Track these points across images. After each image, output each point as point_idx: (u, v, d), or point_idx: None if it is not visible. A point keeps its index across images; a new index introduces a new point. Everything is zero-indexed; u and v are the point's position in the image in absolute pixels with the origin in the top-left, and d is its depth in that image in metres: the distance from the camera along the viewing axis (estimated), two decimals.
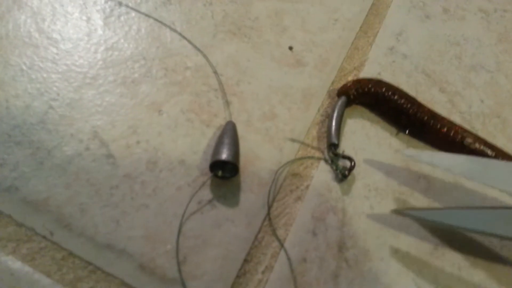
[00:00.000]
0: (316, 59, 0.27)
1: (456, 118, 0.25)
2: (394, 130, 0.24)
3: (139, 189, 0.20)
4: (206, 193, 0.20)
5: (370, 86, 0.24)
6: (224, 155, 0.20)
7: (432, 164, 0.20)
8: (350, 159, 0.21)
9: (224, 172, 0.20)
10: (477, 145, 0.22)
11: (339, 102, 0.24)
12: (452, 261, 0.20)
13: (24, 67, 0.21)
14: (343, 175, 0.21)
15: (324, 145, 0.23)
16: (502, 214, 0.19)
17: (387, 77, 0.26)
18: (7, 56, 0.21)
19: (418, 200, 0.21)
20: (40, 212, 0.18)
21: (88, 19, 0.24)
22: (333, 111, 0.23)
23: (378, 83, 0.25)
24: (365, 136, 0.24)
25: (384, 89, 0.24)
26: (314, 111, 0.24)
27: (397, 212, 0.20)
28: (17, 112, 0.20)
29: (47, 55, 0.22)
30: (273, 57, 0.26)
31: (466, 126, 0.24)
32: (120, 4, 0.25)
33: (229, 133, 0.21)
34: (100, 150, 0.20)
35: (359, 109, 0.25)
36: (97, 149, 0.20)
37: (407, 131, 0.24)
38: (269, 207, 0.20)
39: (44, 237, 0.18)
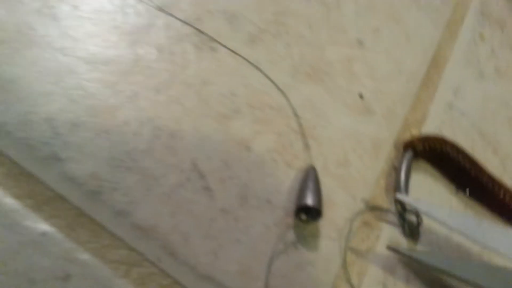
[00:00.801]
0: (383, 108, 0.28)
1: (507, 182, 0.27)
2: (454, 188, 0.26)
3: (233, 224, 0.21)
4: (290, 235, 0.22)
5: (436, 143, 0.26)
6: (310, 201, 0.22)
7: (428, 215, 0.22)
8: (417, 215, 0.23)
9: (308, 216, 0.22)
10: None
11: (407, 157, 0.26)
12: None
13: (131, 94, 0.23)
14: (410, 230, 0.23)
15: (392, 196, 0.25)
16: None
17: (446, 133, 0.28)
18: (117, 81, 0.22)
19: None
20: (149, 238, 0.20)
21: (184, 52, 0.25)
22: (401, 165, 0.25)
23: (444, 141, 0.26)
24: (428, 192, 0.26)
25: (449, 148, 0.26)
26: (382, 160, 0.26)
27: (392, 249, 0.22)
28: (128, 138, 0.21)
29: (149, 84, 0.23)
30: (345, 103, 0.28)
31: None
32: (212, 40, 0.26)
33: (312, 178, 0.23)
34: (199, 182, 0.22)
35: (422, 164, 0.27)
36: (196, 181, 0.22)
37: (467, 191, 0.26)
38: (344, 254, 0.22)
39: (153, 263, 0.19)
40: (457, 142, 0.27)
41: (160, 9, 0.26)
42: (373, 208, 0.24)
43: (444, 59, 0.33)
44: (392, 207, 0.24)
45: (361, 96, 0.28)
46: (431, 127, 0.28)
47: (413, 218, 0.23)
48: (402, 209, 0.23)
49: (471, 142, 0.29)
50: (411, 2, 0.34)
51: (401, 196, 0.23)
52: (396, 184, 0.25)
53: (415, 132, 0.28)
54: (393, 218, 0.24)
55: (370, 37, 0.30)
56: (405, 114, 0.29)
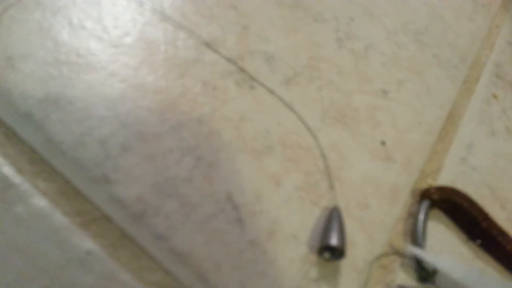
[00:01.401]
0: (402, 157, 0.29)
1: None
2: (465, 237, 0.27)
3: (261, 257, 0.22)
4: (313, 272, 0.22)
5: (451, 195, 0.27)
6: (335, 241, 0.22)
7: (435, 266, 0.23)
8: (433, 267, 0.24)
9: (331, 255, 0.23)
10: None
11: (425, 206, 0.26)
12: None
13: (176, 124, 0.24)
14: (425, 277, 0.23)
15: (408, 243, 0.25)
16: None
17: (458, 185, 0.29)
18: (164, 111, 0.23)
19: None
20: (184, 263, 0.20)
21: (226, 88, 0.26)
22: (418, 213, 0.26)
23: (458, 193, 0.27)
24: (440, 240, 0.26)
25: (462, 200, 0.27)
26: (399, 207, 0.27)
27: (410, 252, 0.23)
28: (171, 165, 0.22)
29: (193, 116, 0.24)
30: (368, 148, 0.29)
31: None
32: (251, 78, 0.27)
33: (337, 218, 0.24)
34: (232, 213, 0.22)
35: (436, 212, 0.27)
36: (230, 212, 0.22)
37: (477, 242, 0.26)
38: None
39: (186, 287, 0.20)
40: (468, 194, 0.28)
41: (208, 45, 0.27)
42: (390, 252, 0.24)
43: (460, 114, 0.34)
44: (408, 254, 0.25)
45: (383, 143, 0.29)
46: (445, 179, 0.29)
47: (429, 265, 0.24)
48: (418, 259, 0.24)
49: (481, 196, 0.30)
50: (432, 58, 0.35)
51: (413, 249, 0.24)
52: (413, 231, 0.25)
53: (431, 182, 0.29)
54: (409, 262, 0.24)
55: (394, 88, 0.32)
56: (422, 164, 0.30)
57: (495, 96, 0.36)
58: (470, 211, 0.26)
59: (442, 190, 0.27)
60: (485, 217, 0.26)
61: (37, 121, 0.20)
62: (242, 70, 0.27)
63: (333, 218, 0.23)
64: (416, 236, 0.25)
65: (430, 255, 0.23)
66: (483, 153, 0.32)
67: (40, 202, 0.18)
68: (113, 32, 0.24)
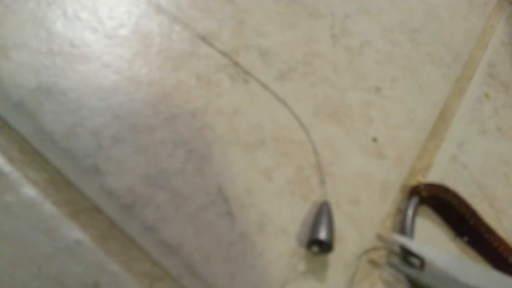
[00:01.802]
0: (394, 154, 0.29)
1: (501, 234, 0.27)
2: (453, 234, 0.26)
3: (250, 250, 0.22)
4: (301, 265, 0.22)
5: (440, 192, 0.27)
6: (323, 235, 0.22)
7: (420, 255, 0.23)
8: (421, 259, 0.23)
9: (319, 249, 0.23)
10: None
11: (414, 202, 0.26)
12: None
13: (169, 116, 0.23)
14: (413, 272, 0.23)
15: (395, 232, 0.25)
16: None
17: (448, 183, 0.29)
18: (158, 103, 0.23)
19: None
20: (173, 255, 0.20)
21: (220, 81, 0.26)
22: (407, 209, 0.26)
23: (447, 190, 0.27)
24: (428, 236, 0.26)
25: (451, 197, 0.27)
26: (389, 203, 0.27)
27: (393, 265, 0.22)
28: (163, 157, 0.22)
29: (186, 109, 0.24)
30: (360, 145, 0.28)
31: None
32: (246, 72, 0.27)
33: (326, 213, 0.24)
34: (223, 206, 0.22)
35: (425, 209, 0.27)
36: (221, 205, 0.22)
37: (465, 239, 0.26)
38: None
39: (174, 279, 0.19)
40: (457, 192, 0.27)
41: (203, 39, 0.26)
42: (378, 247, 0.24)
43: (452, 113, 0.33)
44: (396, 248, 0.24)
45: (374, 140, 0.29)
46: (435, 176, 0.29)
47: (416, 261, 0.23)
48: (406, 252, 0.24)
49: (470, 194, 0.29)
50: (426, 56, 0.35)
51: (399, 238, 0.23)
52: (402, 227, 0.25)
53: (421, 179, 0.28)
54: (396, 257, 0.24)
55: (388, 85, 0.31)
56: (412, 161, 0.29)
57: (487, 96, 0.35)
58: (458, 208, 0.26)
59: (431, 187, 0.27)
60: (473, 214, 0.26)
61: (29, 111, 0.20)
62: (236, 64, 0.26)
63: (322, 212, 0.23)
64: (404, 232, 0.24)
65: (416, 244, 0.23)
66: (474, 152, 0.31)
67: (30, 191, 0.18)
68: (108, 23, 0.24)
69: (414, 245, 0.23)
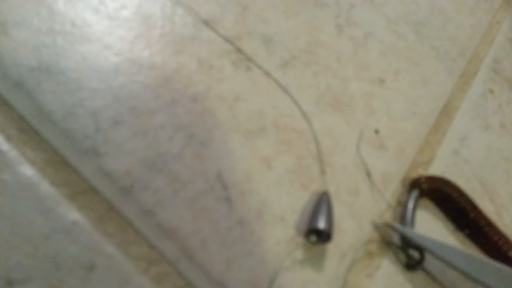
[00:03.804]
0: (395, 146, 0.29)
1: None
2: (453, 227, 0.26)
3: (248, 237, 0.21)
4: (299, 253, 0.22)
5: (441, 185, 0.27)
6: (322, 224, 0.22)
7: (423, 246, 0.23)
8: (420, 251, 0.23)
9: (318, 238, 0.22)
10: None
11: (414, 195, 0.26)
12: None
13: (169, 100, 0.23)
14: (412, 265, 0.23)
15: (396, 230, 0.25)
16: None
17: (450, 178, 0.28)
18: (158, 87, 0.23)
19: None
20: (170, 239, 0.20)
21: (222, 67, 0.25)
22: (408, 202, 0.26)
23: (448, 183, 0.27)
24: (428, 228, 0.26)
25: (452, 190, 0.26)
26: (389, 195, 0.26)
27: (389, 225, 0.23)
28: (162, 141, 0.21)
29: (187, 93, 0.23)
30: (362, 136, 0.28)
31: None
32: (248, 59, 0.27)
33: (326, 203, 0.23)
34: (221, 192, 0.22)
35: (425, 202, 0.27)
36: (219, 191, 0.22)
37: (465, 232, 0.26)
38: (345, 279, 0.22)
39: (171, 263, 0.19)
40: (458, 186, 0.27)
41: (206, 23, 0.26)
42: (377, 239, 0.24)
43: (455, 107, 0.33)
44: (395, 240, 0.24)
45: (376, 132, 0.29)
46: (436, 170, 0.29)
47: (415, 254, 0.23)
48: (406, 244, 0.24)
49: (471, 189, 0.29)
50: (431, 49, 0.34)
51: (400, 227, 0.23)
52: (402, 220, 0.25)
53: (422, 172, 0.28)
54: (395, 250, 0.24)
55: (391, 77, 0.31)
56: (414, 154, 0.29)
57: (491, 91, 0.35)
58: (459, 201, 0.26)
59: (432, 179, 0.26)
60: (474, 207, 0.26)
61: (28, 90, 0.19)
62: (239, 50, 0.26)
63: (322, 202, 0.23)
64: (404, 225, 0.24)
65: (417, 234, 0.23)
66: (476, 147, 0.31)
67: (27, 170, 0.18)
68: (110, 4, 0.23)
69: (415, 234, 0.23)
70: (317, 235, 0.22)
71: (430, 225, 0.26)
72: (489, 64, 0.36)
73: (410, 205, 0.25)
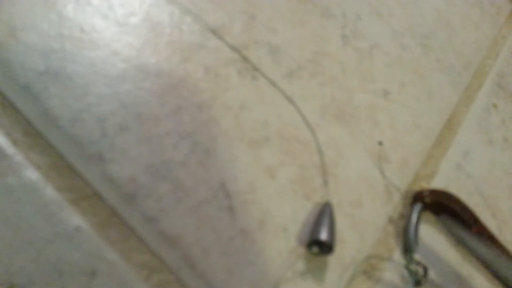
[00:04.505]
0: (399, 159, 0.29)
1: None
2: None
3: (250, 246, 0.21)
4: (300, 264, 0.22)
5: (444, 198, 0.27)
6: (324, 236, 0.22)
7: (461, 241, 0.23)
8: (424, 267, 0.23)
9: (319, 250, 0.22)
10: None
11: (417, 209, 0.26)
12: None
13: (175, 108, 0.23)
14: (417, 281, 0.23)
15: (397, 244, 0.25)
16: None
17: (453, 192, 0.28)
18: (165, 94, 0.23)
19: None
20: (172, 247, 0.20)
21: (228, 76, 0.26)
22: (411, 216, 0.26)
23: (451, 197, 0.27)
24: (429, 242, 0.26)
25: (454, 204, 0.26)
26: (391, 207, 0.26)
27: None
28: (167, 149, 0.22)
29: (193, 101, 0.24)
30: (365, 148, 0.28)
31: None
32: (254, 68, 0.27)
33: (328, 214, 0.23)
34: (224, 201, 0.22)
35: (427, 214, 0.27)
36: (222, 199, 0.22)
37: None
38: None
39: (172, 271, 0.19)
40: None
41: (213, 32, 0.26)
42: (378, 254, 0.24)
43: (459, 121, 0.33)
44: (397, 254, 0.24)
45: (380, 144, 0.29)
46: (439, 183, 0.29)
47: (419, 270, 0.23)
48: (409, 259, 0.24)
49: (473, 203, 0.29)
50: (436, 63, 0.34)
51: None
52: (405, 234, 0.25)
53: (424, 185, 0.28)
54: (395, 265, 0.24)
55: (396, 89, 0.31)
56: (417, 167, 0.29)
57: (495, 106, 0.35)
58: (462, 216, 0.26)
59: (434, 193, 0.27)
60: (476, 221, 0.26)
61: (35, 94, 0.20)
62: (245, 59, 0.26)
63: (324, 213, 0.23)
64: (408, 239, 0.24)
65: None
66: (479, 161, 0.31)
67: (32, 175, 0.18)
68: (119, 11, 0.23)
69: (458, 231, 0.23)
70: (319, 247, 0.22)
71: (431, 239, 0.26)
72: (493, 78, 0.36)
73: (413, 218, 0.25)
